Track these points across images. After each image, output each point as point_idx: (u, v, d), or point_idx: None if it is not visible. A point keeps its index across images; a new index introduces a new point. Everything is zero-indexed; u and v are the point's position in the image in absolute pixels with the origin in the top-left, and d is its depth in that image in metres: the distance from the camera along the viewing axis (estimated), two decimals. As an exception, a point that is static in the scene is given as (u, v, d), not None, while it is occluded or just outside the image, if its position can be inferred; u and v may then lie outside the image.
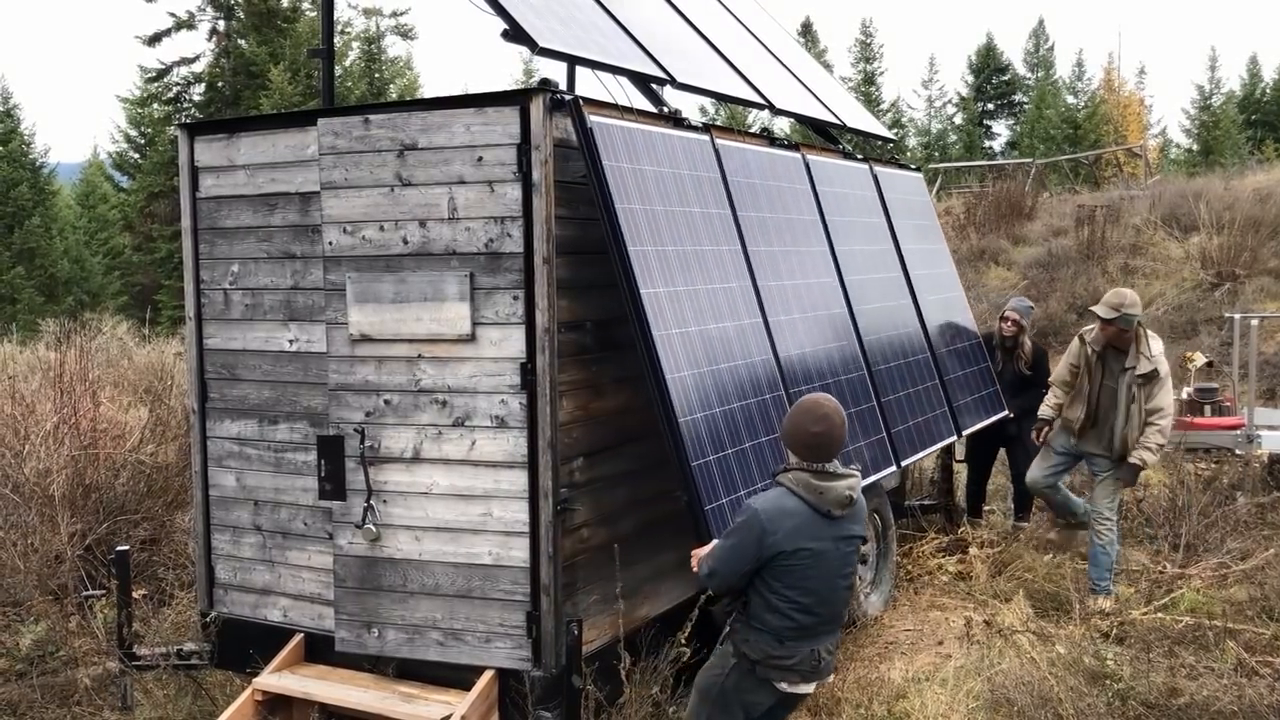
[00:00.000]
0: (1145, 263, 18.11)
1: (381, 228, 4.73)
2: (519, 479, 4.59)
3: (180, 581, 7.15)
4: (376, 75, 36.43)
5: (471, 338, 4.61)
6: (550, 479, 4.54)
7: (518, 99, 4.51)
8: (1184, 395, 9.08)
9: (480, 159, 4.55)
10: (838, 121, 7.66)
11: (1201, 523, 7.58)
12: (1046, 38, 53.95)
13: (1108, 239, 19.13)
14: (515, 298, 4.55)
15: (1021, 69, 54.03)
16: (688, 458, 4.54)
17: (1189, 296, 16.60)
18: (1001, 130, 53.92)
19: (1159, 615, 5.96)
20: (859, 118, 8.30)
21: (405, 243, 4.69)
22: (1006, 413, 8.05)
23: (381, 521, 4.80)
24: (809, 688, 4.02)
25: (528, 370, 4.54)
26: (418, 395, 4.72)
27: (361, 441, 4.77)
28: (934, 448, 6.99)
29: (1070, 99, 51.26)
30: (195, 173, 5.30)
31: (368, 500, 4.79)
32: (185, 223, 5.35)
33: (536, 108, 4.44)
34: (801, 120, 7.38)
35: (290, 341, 5.12)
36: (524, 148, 4.48)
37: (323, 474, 4.91)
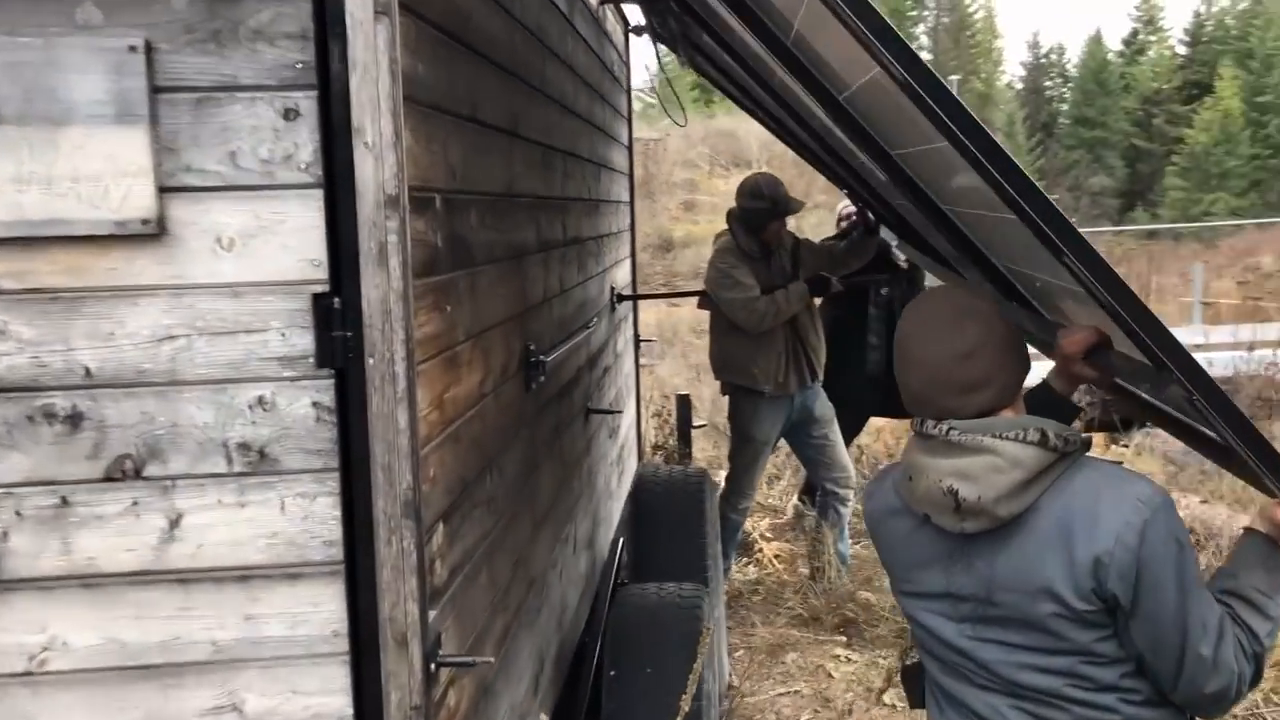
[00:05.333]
0: (705, 198, 17.47)
1: None
2: (325, 610, 1.72)
3: None
4: None
5: (158, 230, 1.63)
6: (415, 598, 1.73)
7: None
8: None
9: None
10: None
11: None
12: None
13: (658, 176, 18.31)
14: (290, 114, 1.64)
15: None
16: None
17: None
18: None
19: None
20: None
21: (-88, -52, 1.56)
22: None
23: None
24: None
25: (332, 315, 1.67)
26: (-17, 403, 1.63)
27: None
28: None
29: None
30: None
31: None
32: None
33: None
34: None
35: None
36: None
37: None
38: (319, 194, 1.66)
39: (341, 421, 1.69)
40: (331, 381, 1.69)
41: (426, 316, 1.88)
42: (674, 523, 3.94)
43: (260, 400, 1.67)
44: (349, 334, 1.67)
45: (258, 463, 1.68)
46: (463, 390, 2.15)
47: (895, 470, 1.89)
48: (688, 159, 18.78)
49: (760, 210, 4.87)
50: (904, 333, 1.75)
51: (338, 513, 1.70)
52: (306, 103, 1.64)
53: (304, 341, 1.67)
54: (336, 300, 1.67)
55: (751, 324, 4.79)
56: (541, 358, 2.85)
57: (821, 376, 5.09)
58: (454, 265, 2.09)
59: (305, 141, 1.65)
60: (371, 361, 1.68)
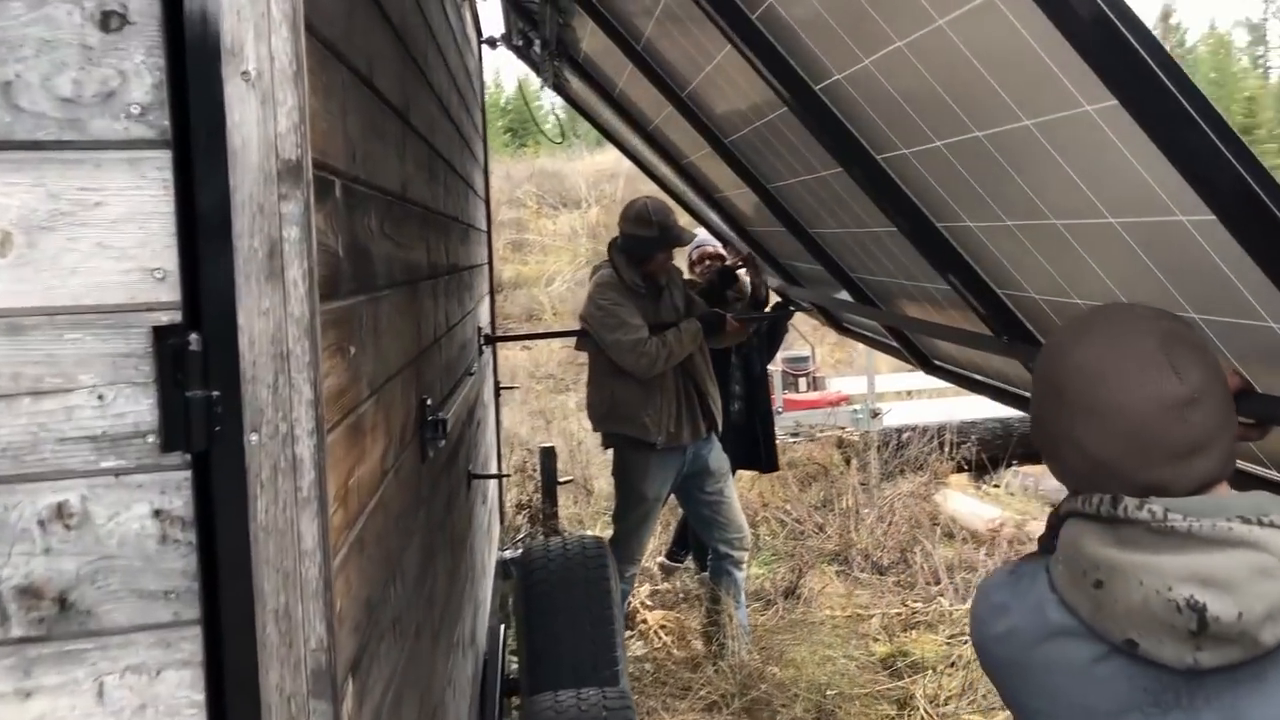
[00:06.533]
0: (533, 238, 16.87)
1: None
2: None
3: None
4: None
5: None
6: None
7: None
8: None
9: None
10: None
11: (887, 532, 5.87)
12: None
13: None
14: (112, 21, 0.96)
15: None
16: None
17: (589, 271, 15.66)
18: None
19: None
20: None
21: None
22: None
23: None
24: None
25: (188, 362, 0.99)
26: None
27: None
28: None
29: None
30: None
31: None
32: None
33: None
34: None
35: None
36: None
37: None
38: (164, 158, 0.98)
39: (204, 542, 1.01)
40: (186, 475, 1.00)
41: (330, 363, 1.22)
42: (575, 609, 3.28)
43: (60, 511, 0.97)
44: (216, 394, 1.00)
45: (55, 619, 0.98)
46: (367, 471, 1.48)
47: (1036, 568, 1.29)
48: (513, 198, 18.12)
49: (646, 239, 4.29)
50: (1081, 371, 1.16)
51: (200, 695, 1.01)
52: (140, 3, 0.97)
53: (138, 409, 0.99)
54: (194, 337, 0.99)
55: (642, 369, 4.20)
56: (440, 415, 2.18)
57: (720, 426, 4.55)
58: (356, 287, 1.43)
59: (139, 69, 0.97)
60: (255, 439, 1.01)
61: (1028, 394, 2.84)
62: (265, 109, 0.99)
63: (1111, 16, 1.10)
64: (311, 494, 1.03)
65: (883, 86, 1.87)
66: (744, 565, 4.65)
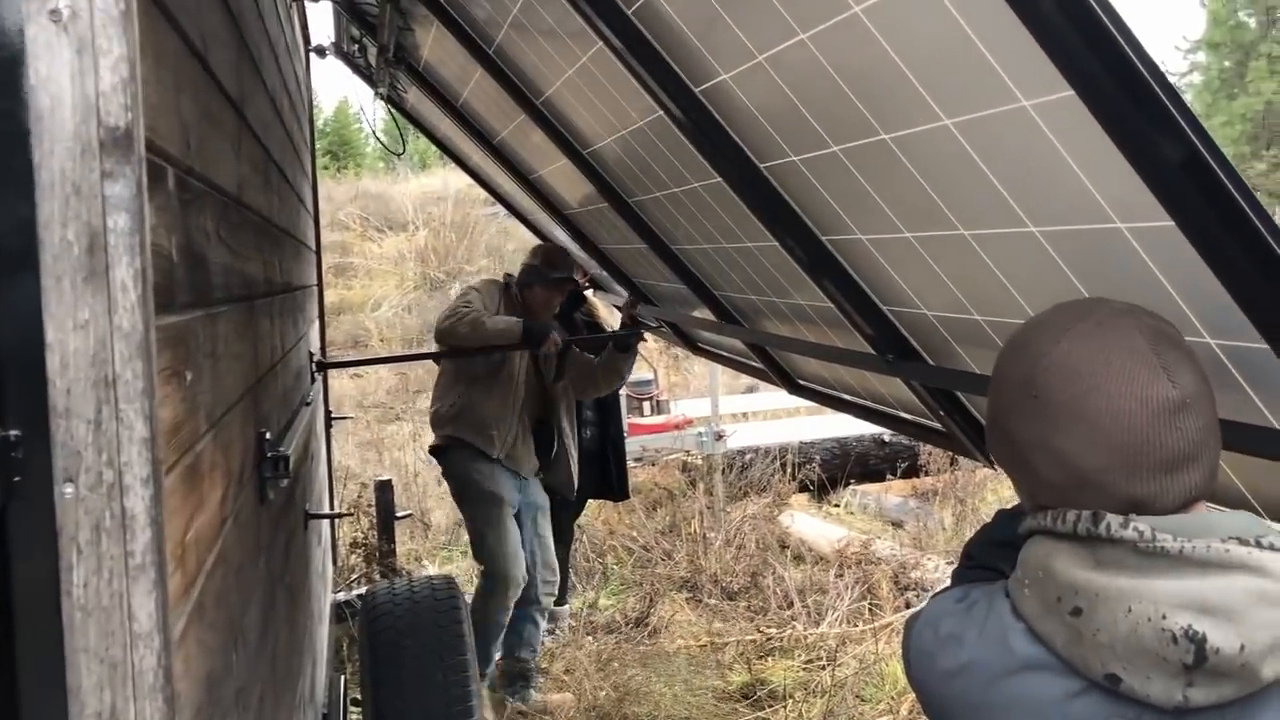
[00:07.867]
0: (358, 261, 16.28)
1: None
2: None
3: None
4: None
5: None
6: None
7: None
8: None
9: None
10: None
11: (736, 557, 5.79)
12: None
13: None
14: None
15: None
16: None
17: (417, 296, 15.17)
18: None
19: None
20: None
21: None
22: None
23: None
24: None
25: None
26: None
27: None
28: None
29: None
30: None
31: None
32: None
33: None
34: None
35: None
36: None
37: None
38: (-60, 120, 0.74)
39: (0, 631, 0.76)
40: (-28, 542, 0.75)
41: (164, 391, 0.98)
42: (425, 657, 3.01)
43: None
44: (15, 434, 0.76)
45: None
46: (206, 521, 1.23)
47: (991, 593, 1.12)
48: (336, 220, 17.42)
49: (530, 267, 4.32)
50: (1063, 372, 1.04)
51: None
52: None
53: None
54: (-16, 359, 0.75)
55: (452, 320, 3.91)
56: (281, 451, 1.92)
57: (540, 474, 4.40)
58: (193, 300, 1.19)
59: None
60: (71, 491, 0.77)
61: (903, 413, 2.77)
62: (83, 59, 0.76)
63: (1085, -8, 0.98)
64: (147, 559, 0.80)
65: (777, 87, 1.74)
66: (546, 614, 4.49)
